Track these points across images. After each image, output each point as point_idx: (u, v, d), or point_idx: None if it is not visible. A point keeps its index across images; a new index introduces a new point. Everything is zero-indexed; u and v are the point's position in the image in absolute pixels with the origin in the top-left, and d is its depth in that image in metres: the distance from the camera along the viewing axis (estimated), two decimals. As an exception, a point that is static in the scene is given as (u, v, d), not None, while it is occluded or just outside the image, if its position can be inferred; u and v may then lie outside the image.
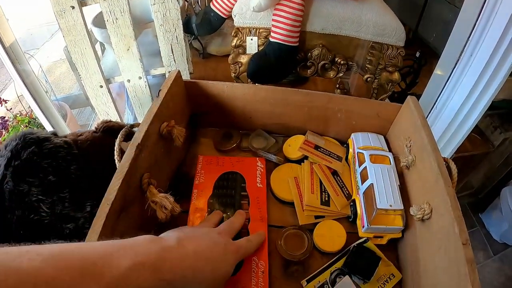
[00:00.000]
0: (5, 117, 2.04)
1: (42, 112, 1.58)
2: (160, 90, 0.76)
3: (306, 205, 0.75)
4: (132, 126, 0.73)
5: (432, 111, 1.38)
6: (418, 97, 1.86)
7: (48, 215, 0.68)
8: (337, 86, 1.54)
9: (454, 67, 1.25)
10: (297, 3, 1.01)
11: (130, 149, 0.63)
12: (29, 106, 1.99)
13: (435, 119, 1.37)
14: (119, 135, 0.69)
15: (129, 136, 0.70)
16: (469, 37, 1.19)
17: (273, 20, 1.04)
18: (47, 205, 0.68)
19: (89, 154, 0.78)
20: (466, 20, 1.20)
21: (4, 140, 1.99)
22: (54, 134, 0.77)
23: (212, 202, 0.77)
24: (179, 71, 0.82)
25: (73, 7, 1.11)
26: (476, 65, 1.19)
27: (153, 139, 0.70)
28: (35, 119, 2.07)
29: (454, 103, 1.29)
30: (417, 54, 1.92)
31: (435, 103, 1.35)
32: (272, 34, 1.04)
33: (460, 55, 1.22)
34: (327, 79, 1.23)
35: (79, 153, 0.75)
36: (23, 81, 1.46)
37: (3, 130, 2.03)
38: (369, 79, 1.16)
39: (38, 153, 0.69)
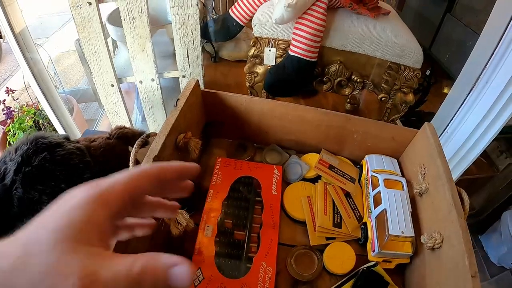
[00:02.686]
0: (10, 107, 2.02)
1: (49, 104, 1.56)
2: (178, 100, 0.75)
3: (318, 227, 0.75)
4: (148, 136, 0.72)
5: (443, 134, 1.37)
6: (425, 114, 1.87)
7: None
8: (348, 100, 1.53)
9: (469, 92, 1.25)
10: (319, 18, 1.00)
11: (147, 162, 0.62)
12: (36, 97, 1.98)
13: (445, 143, 1.37)
14: (135, 145, 0.68)
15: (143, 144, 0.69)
16: (486, 63, 1.18)
17: (293, 33, 1.03)
18: None
19: (102, 162, 0.76)
20: (485, 46, 1.19)
21: (9, 130, 1.97)
22: (67, 138, 0.74)
23: (227, 204, 0.77)
24: (197, 81, 0.81)
25: (90, 3, 1.10)
26: (491, 92, 1.18)
27: (169, 150, 0.69)
28: (41, 110, 2.05)
29: (466, 128, 1.28)
30: (427, 72, 1.92)
31: (446, 127, 1.35)
32: (292, 47, 1.04)
33: (476, 80, 1.22)
34: (339, 93, 1.23)
35: (92, 160, 0.73)
36: (31, 70, 1.44)
37: (8, 119, 2.02)
38: (383, 98, 1.16)
39: (50, 159, 0.66)
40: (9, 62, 4.36)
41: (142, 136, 0.70)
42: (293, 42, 1.04)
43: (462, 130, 1.30)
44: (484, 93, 1.20)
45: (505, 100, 1.15)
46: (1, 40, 4.53)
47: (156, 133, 0.70)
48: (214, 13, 1.77)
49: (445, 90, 2.12)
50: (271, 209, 0.76)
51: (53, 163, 0.66)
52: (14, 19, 1.31)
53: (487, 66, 1.18)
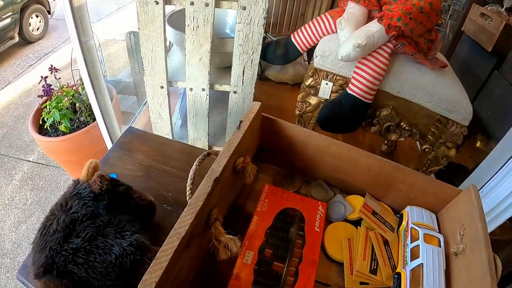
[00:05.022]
0: (51, 84, 2.06)
1: (94, 89, 1.57)
2: (241, 122, 0.76)
3: (356, 271, 0.75)
4: (209, 153, 0.73)
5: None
6: (456, 166, 1.85)
7: None
8: (385, 142, 1.54)
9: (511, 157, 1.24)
10: (383, 62, 1.02)
11: (207, 182, 0.63)
12: (79, 79, 2.02)
13: (478, 202, 1.36)
14: (196, 161, 0.69)
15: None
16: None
17: (355, 72, 1.04)
18: None
19: None
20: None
21: (45, 106, 2.00)
22: None
23: (270, 233, 0.78)
24: (261, 105, 0.82)
25: (157, 3, 1.11)
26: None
27: (227, 172, 0.70)
28: (79, 93, 2.08)
29: (502, 191, 1.27)
30: (464, 125, 1.92)
31: (482, 187, 1.34)
32: (351, 86, 1.05)
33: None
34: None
35: None
36: (83, 53, 1.46)
37: (47, 97, 2.06)
38: (427, 149, 1.16)
39: None
40: (53, 38, 4.48)
41: (202, 154, 0.72)
42: (353, 80, 1.05)
43: (498, 192, 1.30)
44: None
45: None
46: (49, 16, 4.69)
47: (217, 152, 0.72)
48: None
49: (478, 144, 2.12)
50: (312, 245, 0.77)
51: None
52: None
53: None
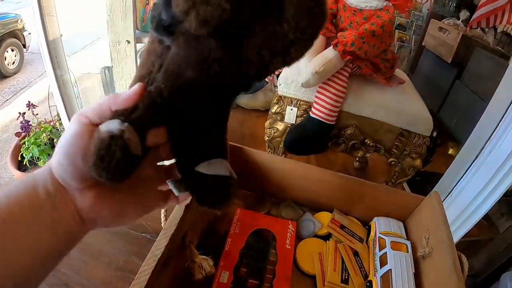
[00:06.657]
0: (29, 121, 2.09)
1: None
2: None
3: (328, 282, 0.80)
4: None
5: (447, 198, 1.44)
6: (430, 174, 1.92)
7: None
8: (357, 159, 1.60)
9: (475, 158, 1.32)
10: (341, 85, 1.08)
11: (180, 208, 0.68)
12: (57, 114, 2.06)
13: (449, 206, 1.43)
14: None
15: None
16: (493, 131, 1.27)
17: (316, 97, 1.11)
18: None
19: None
20: (492, 115, 1.27)
21: (23, 143, 2.03)
22: None
23: (243, 254, 0.82)
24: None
25: (128, 42, 1.16)
26: (494, 160, 1.26)
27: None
28: (57, 129, 2.12)
29: (470, 193, 1.34)
30: (434, 134, 2.00)
31: (451, 191, 1.41)
32: (313, 110, 1.11)
33: (482, 148, 1.29)
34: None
35: None
36: (59, 89, 1.49)
37: (25, 133, 2.08)
38: (392, 162, 1.22)
39: None
40: (28, 72, 4.50)
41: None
42: (314, 105, 1.12)
43: (466, 195, 1.36)
44: (489, 160, 1.28)
45: (508, 167, 1.22)
46: (25, 50, 4.73)
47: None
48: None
49: (450, 151, 2.19)
50: (284, 262, 0.82)
51: None
52: (50, 31, 1.37)
53: (492, 135, 1.26)
